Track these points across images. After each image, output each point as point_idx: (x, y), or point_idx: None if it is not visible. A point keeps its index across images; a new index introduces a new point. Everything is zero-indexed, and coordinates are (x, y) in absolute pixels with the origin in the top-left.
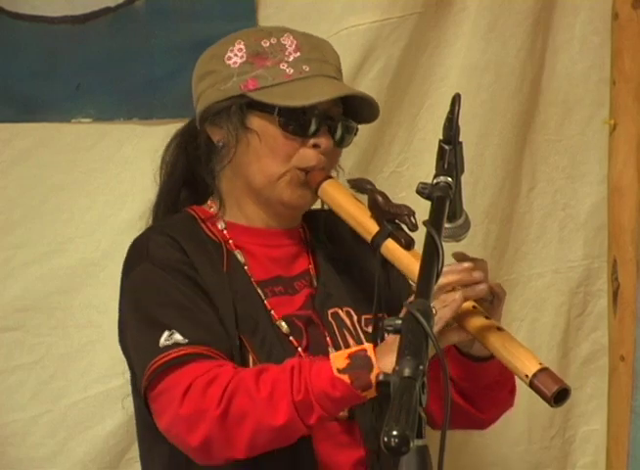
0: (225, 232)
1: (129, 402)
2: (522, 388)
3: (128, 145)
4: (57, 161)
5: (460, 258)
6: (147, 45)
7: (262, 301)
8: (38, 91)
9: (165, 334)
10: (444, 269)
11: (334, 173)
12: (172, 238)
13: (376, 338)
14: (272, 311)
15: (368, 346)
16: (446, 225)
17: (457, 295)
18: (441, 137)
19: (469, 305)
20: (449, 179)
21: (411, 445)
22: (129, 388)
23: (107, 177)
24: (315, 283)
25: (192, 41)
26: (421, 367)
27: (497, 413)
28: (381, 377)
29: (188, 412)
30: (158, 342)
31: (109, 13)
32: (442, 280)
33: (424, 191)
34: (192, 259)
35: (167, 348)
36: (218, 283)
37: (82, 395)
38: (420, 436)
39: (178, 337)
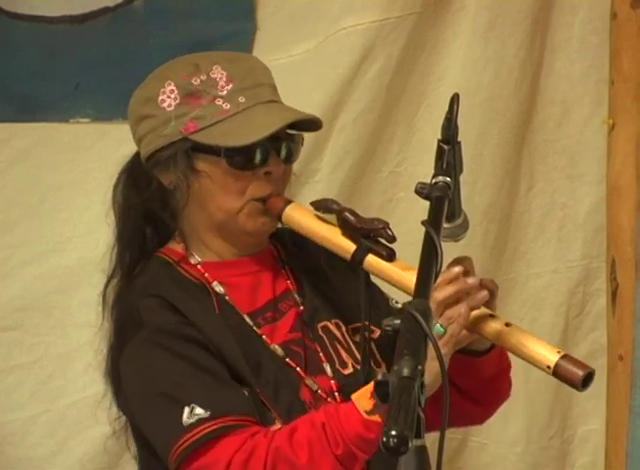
0: (199, 267)
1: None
2: (520, 388)
3: (127, 145)
4: (55, 160)
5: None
6: (145, 45)
7: (254, 331)
8: (37, 91)
9: (186, 410)
10: (437, 282)
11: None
12: (161, 298)
13: (365, 349)
14: (264, 337)
15: None
16: (445, 225)
17: (462, 308)
18: (440, 137)
19: None
20: (448, 179)
21: (410, 444)
22: None
23: (105, 177)
24: (299, 299)
25: (190, 41)
26: (419, 367)
27: (496, 405)
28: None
29: None
30: (180, 420)
31: (107, 13)
32: (439, 295)
33: (422, 191)
34: (187, 316)
35: (192, 426)
36: (218, 331)
37: (81, 394)
38: (419, 436)
39: (199, 411)
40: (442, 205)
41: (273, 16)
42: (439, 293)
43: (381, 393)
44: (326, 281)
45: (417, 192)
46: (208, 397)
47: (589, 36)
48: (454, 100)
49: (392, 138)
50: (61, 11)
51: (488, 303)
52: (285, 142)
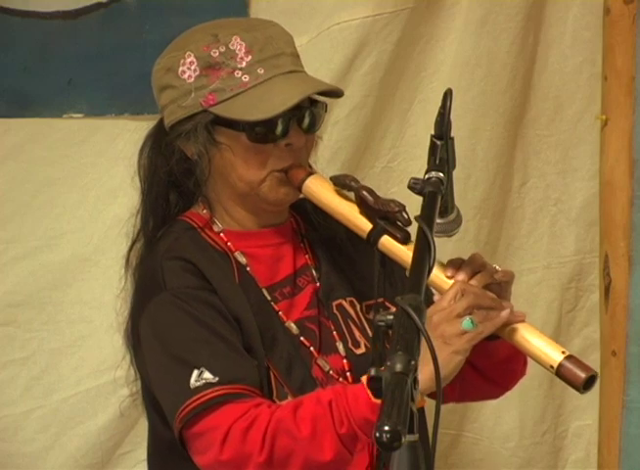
0: (222, 235)
1: (120, 399)
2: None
3: (120, 140)
4: (48, 156)
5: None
6: (138, 40)
7: (271, 306)
8: (30, 86)
9: (195, 373)
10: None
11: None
12: (186, 260)
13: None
14: (280, 313)
15: None
16: (438, 221)
17: (504, 313)
18: (433, 132)
19: None
20: (441, 174)
21: (403, 440)
22: (120, 383)
23: (98, 172)
24: (316, 275)
25: None
26: (412, 362)
27: (512, 383)
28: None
29: (230, 458)
30: (188, 382)
31: (100, 8)
32: (482, 301)
33: (415, 186)
34: (210, 282)
35: (199, 389)
36: (237, 301)
37: (74, 390)
38: (412, 431)
39: (208, 375)
40: (435, 200)
41: (266, 11)
42: (482, 300)
43: (374, 388)
44: (344, 254)
45: (410, 187)
46: (219, 363)
47: (582, 32)
48: (447, 95)
49: (386, 133)
50: (54, 6)
51: (504, 291)
52: (307, 111)
